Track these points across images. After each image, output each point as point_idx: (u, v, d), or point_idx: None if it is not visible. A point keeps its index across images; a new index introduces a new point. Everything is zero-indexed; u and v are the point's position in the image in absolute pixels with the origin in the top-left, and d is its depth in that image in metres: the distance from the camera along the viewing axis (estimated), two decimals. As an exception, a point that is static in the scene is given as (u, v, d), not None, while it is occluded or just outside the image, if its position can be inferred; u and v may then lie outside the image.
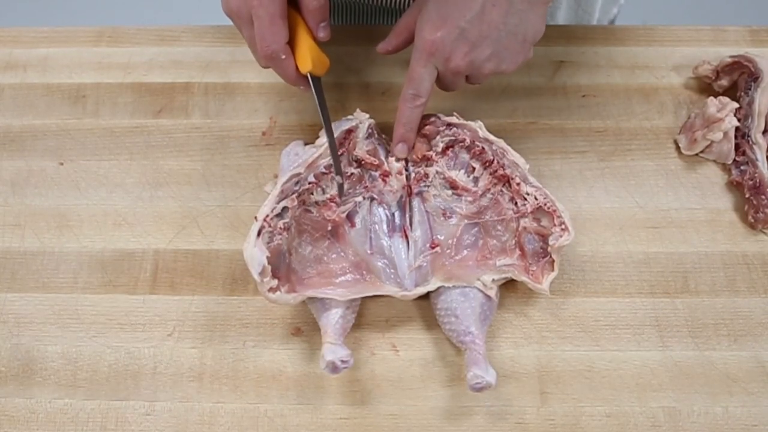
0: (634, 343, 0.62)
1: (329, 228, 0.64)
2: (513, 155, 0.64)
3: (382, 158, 0.66)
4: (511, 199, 0.64)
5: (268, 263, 0.57)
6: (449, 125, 0.66)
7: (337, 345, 0.57)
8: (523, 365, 0.61)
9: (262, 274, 0.57)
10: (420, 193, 0.66)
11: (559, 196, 0.66)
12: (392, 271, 0.63)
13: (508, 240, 0.64)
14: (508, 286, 0.64)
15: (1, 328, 0.63)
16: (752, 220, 0.67)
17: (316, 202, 0.64)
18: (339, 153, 0.64)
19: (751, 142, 0.69)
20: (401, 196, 0.66)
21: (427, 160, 0.66)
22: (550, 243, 0.60)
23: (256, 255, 0.57)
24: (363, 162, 0.66)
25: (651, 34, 0.80)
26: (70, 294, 0.65)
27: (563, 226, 0.60)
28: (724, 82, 0.74)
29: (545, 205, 0.61)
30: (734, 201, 0.69)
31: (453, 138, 0.66)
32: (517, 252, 0.63)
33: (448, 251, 0.63)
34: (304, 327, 0.63)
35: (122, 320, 0.63)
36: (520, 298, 0.64)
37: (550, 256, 0.61)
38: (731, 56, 0.73)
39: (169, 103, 0.76)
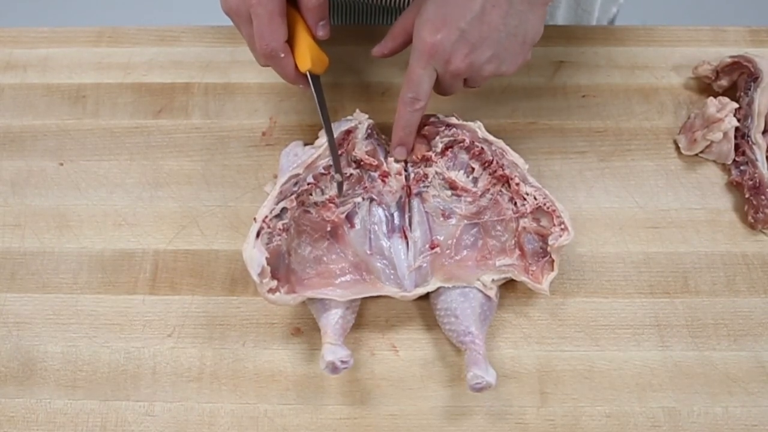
0: (634, 343, 0.62)
1: (328, 229, 0.64)
2: (512, 155, 0.64)
3: (382, 159, 0.66)
4: (511, 200, 0.64)
5: (268, 264, 0.57)
6: (448, 126, 0.66)
7: (337, 345, 0.57)
8: (523, 365, 0.61)
9: (261, 275, 0.57)
10: (419, 194, 0.66)
11: (559, 196, 0.66)
12: (392, 271, 0.63)
13: (507, 240, 0.64)
14: (508, 286, 0.64)
15: (1, 328, 0.63)
16: (752, 220, 0.67)
17: (315, 203, 0.63)
18: (338, 153, 0.64)
19: (750, 143, 0.69)
20: (400, 197, 0.66)
21: (426, 161, 0.66)
22: (550, 243, 0.60)
23: (255, 256, 0.57)
24: (362, 162, 0.66)
25: (651, 34, 0.80)
26: (70, 294, 0.65)
27: (563, 226, 0.60)
28: (724, 82, 0.74)
29: (545, 205, 0.61)
30: (734, 201, 0.69)
31: (452, 138, 0.66)
32: (517, 252, 0.63)
33: (448, 251, 0.63)
34: (304, 327, 0.63)
35: (122, 320, 0.63)
36: (520, 298, 0.64)
37: (550, 256, 0.61)
38: (731, 56, 0.73)
39: (169, 103, 0.76)
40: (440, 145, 0.66)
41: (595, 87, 0.76)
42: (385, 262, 0.63)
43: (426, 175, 0.66)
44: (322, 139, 0.64)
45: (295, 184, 0.62)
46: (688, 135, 0.71)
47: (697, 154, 0.71)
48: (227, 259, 0.66)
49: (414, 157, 0.66)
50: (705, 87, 0.76)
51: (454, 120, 0.66)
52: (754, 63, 0.71)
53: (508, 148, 0.65)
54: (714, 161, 0.71)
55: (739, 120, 0.70)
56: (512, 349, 0.62)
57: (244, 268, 0.58)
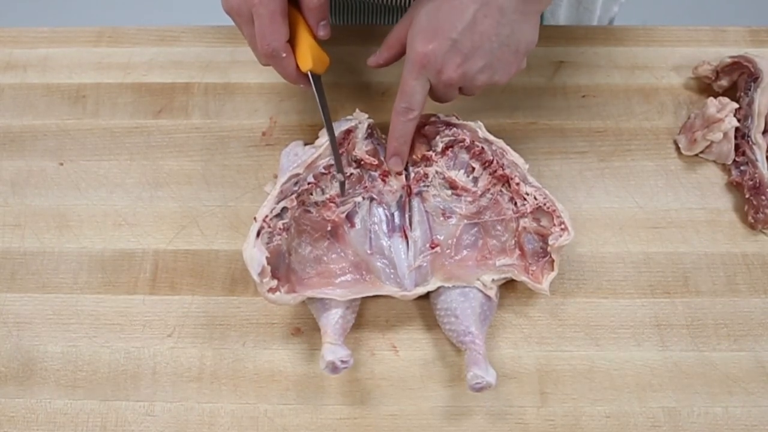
0: (634, 343, 0.62)
1: (329, 228, 0.64)
2: (512, 155, 0.64)
3: (382, 158, 0.66)
4: (511, 199, 0.64)
5: (268, 264, 0.57)
6: (449, 125, 0.66)
7: (337, 345, 0.57)
8: (523, 365, 0.61)
9: (261, 274, 0.57)
10: (419, 193, 0.66)
11: (559, 196, 0.66)
12: (392, 271, 0.63)
13: (507, 240, 0.64)
14: (508, 286, 0.64)
15: (1, 328, 0.63)
16: (752, 221, 0.67)
17: (316, 203, 0.64)
18: (340, 153, 0.64)
19: (750, 143, 0.69)
20: (401, 196, 0.66)
21: (426, 160, 0.66)
22: (550, 243, 0.60)
23: (255, 255, 0.57)
24: (362, 162, 0.66)
25: (651, 35, 0.80)
26: (70, 294, 0.65)
27: (563, 226, 0.60)
28: (724, 82, 0.74)
29: (545, 205, 0.61)
30: (734, 201, 0.69)
31: (453, 138, 0.66)
32: (517, 252, 0.63)
33: (448, 251, 0.63)
34: (304, 327, 0.63)
35: (122, 320, 0.63)
36: (520, 298, 0.64)
37: (550, 256, 0.61)
38: (731, 56, 0.73)
39: (169, 103, 0.76)
40: (440, 145, 0.66)
41: (595, 87, 0.76)
42: (385, 261, 0.63)
43: (426, 175, 0.66)
44: (323, 139, 0.64)
45: (296, 183, 0.62)
46: (688, 135, 0.71)
47: (697, 154, 0.71)
48: (227, 259, 0.66)
49: (414, 156, 0.66)
50: (705, 87, 0.76)
51: (454, 120, 0.66)
52: (754, 63, 0.71)
53: (508, 147, 0.65)
54: (714, 161, 0.71)
55: (739, 120, 0.70)
56: (512, 349, 0.62)
57: (244, 268, 0.58)
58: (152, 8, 1.94)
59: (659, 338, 0.62)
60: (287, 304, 0.61)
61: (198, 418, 0.59)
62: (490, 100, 0.75)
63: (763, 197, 0.67)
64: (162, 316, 0.64)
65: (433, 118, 0.67)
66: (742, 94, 0.72)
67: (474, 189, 0.65)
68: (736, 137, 0.70)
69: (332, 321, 0.59)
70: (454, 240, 0.64)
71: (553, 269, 0.61)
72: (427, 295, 0.62)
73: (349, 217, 0.64)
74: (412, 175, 0.66)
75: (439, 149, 0.66)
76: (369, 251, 0.63)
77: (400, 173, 0.65)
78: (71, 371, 0.61)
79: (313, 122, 0.74)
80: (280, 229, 0.60)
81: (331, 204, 0.63)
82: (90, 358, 0.62)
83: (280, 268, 0.60)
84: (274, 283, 0.58)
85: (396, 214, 0.65)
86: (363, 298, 0.61)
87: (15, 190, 0.71)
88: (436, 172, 0.66)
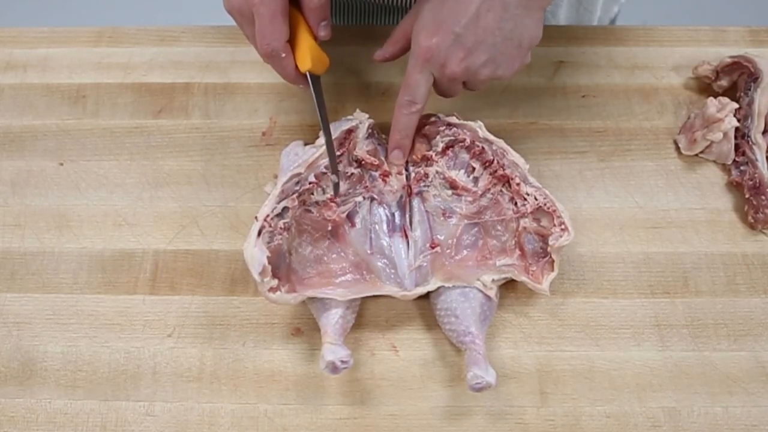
0: (634, 343, 0.62)
1: (329, 228, 0.64)
2: (513, 155, 0.64)
3: (382, 158, 0.66)
4: (511, 199, 0.64)
5: (269, 263, 0.57)
6: (449, 125, 0.66)
7: (337, 345, 0.57)
8: (523, 365, 0.61)
9: (262, 274, 0.57)
10: (420, 193, 0.66)
11: (559, 196, 0.66)
12: (392, 271, 0.63)
13: (508, 240, 0.64)
14: (508, 286, 0.64)
15: (1, 328, 0.63)
16: (752, 220, 0.67)
17: (317, 202, 0.64)
18: (339, 153, 0.64)
19: (750, 143, 0.69)
20: (401, 196, 0.66)
21: (427, 160, 0.66)
22: (550, 243, 0.60)
23: (256, 255, 0.57)
24: (363, 162, 0.66)
25: (651, 35, 0.80)
26: (70, 294, 0.65)
27: (563, 226, 0.60)
28: (724, 82, 0.74)
29: (545, 205, 0.61)
30: (734, 201, 0.69)
31: (453, 138, 0.66)
32: (517, 252, 0.63)
33: (448, 251, 0.63)
34: (304, 327, 0.63)
35: (122, 320, 0.63)
36: (520, 298, 0.64)
37: (550, 256, 0.61)
38: (731, 56, 0.73)
39: (169, 104, 0.76)
40: (441, 145, 0.66)
41: (595, 87, 0.76)
42: (385, 261, 0.63)
43: (426, 175, 0.66)
44: (323, 139, 0.64)
45: (297, 183, 0.62)
46: (688, 135, 0.71)
47: (697, 154, 0.71)
48: (227, 259, 0.66)
49: (414, 156, 0.66)
50: (705, 87, 0.76)
51: (454, 119, 0.66)
52: (754, 63, 0.71)
53: (508, 147, 0.65)
54: (714, 161, 0.71)
55: (739, 120, 0.70)
56: (512, 349, 0.62)
57: (244, 268, 0.58)
58: (152, 8, 1.94)
59: (659, 338, 0.62)
60: (287, 304, 0.61)
61: (198, 418, 0.59)
62: (490, 100, 0.75)
63: (763, 197, 0.67)
64: (162, 316, 0.64)
65: (433, 118, 0.67)
66: (742, 94, 0.72)
67: (474, 189, 0.65)
68: (736, 137, 0.70)
69: (332, 321, 0.59)
70: (455, 240, 0.64)
71: (553, 269, 0.61)
72: (427, 295, 0.62)
73: (350, 217, 0.64)
74: (413, 175, 0.66)
75: (439, 149, 0.66)
76: (369, 251, 0.63)
77: (400, 172, 0.66)
78: (71, 371, 0.61)
79: (313, 122, 0.74)
80: (281, 228, 0.60)
81: (332, 204, 0.63)
82: (90, 358, 0.62)
83: (281, 267, 0.60)
84: (275, 282, 0.58)
85: (396, 213, 0.65)
86: (363, 298, 0.61)
87: (15, 190, 0.71)
88: (437, 172, 0.66)
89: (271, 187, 0.62)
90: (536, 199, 0.62)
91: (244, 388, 0.60)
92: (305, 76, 0.62)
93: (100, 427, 0.59)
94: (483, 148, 0.65)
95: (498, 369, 0.59)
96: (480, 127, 0.65)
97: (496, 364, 0.60)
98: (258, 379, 0.61)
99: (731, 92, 0.73)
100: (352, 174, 0.65)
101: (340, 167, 0.64)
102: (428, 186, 0.66)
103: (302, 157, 0.63)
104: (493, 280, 0.61)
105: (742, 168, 0.69)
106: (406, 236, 0.64)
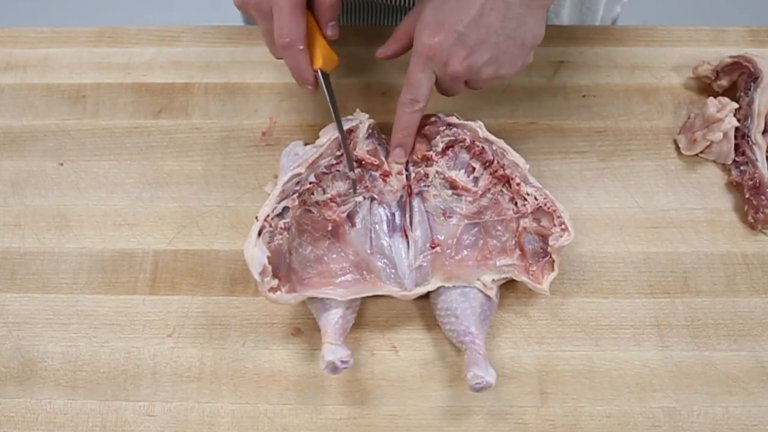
0: (634, 343, 0.62)
1: (329, 228, 0.64)
2: (513, 155, 0.64)
3: (383, 158, 0.66)
4: (511, 199, 0.64)
5: (269, 263, 0.57)
6: (449, 125, 0.66)
7: (337, 345, 0.57)
8: (523, 365, 0.61)
9: (262, 273, 0.57)
10: (420, 193, 0.66)
11: (559, 196, 0.66)
12: (392, 270, 0.63)
13: (508, 240, 0.64)
14: (508, 286, 0.64)
15: (1, 328, 0.63)
16: (752, 220, 0.67)
17: (317, 202, 0.64)
18: (339, 153, 0.64)
19: (750, 143, 0.69)
20: (401, 196, 0.66)
21: (427, 160, 0.66)
22: (550, 243, 0.60)
23: (256, 255, 0.57)
24: (363, 162, 0.66)
25: (651, 35, 0.80)
26: (70, 294, 0.65)
27: (563, 226, 0.60)
28: (724, 82, 0.74)
29: (545, 205, 0.61)
30: (734, 201, 0.69)
31: (453, 138, 0.66)
32: (517, 252, 0.63)
33: (448, 251, 0.63)
34: (304, 327, 0.63)
35: (122, 320, 0.63)
36: (520, 298, 0.64)
37: (550, 256, 0.61)
38: (731, 56, 0.73)
39: (169, 104, 0.76)
40: (441, 145, 0.66)
41: (595, 87, 0.76)
42: (385, 261, 0.63)
43: (427, 175, 0.66)
44: (323, 139, 0.64)
45: (297, 183, 0.62)
46: (688, 135, 0.71)
47: (697, 154, 0.71)
48: (227, 259, 0.66)
49: (415, 156, 0.66)
50: (705, 87, 0.76)
51: (454, 119, 0.66)
52: (754, 63, 0.71)
53: (508, 147, 0.65)
54: (714, 161, 0.71)
55: (739, 120, 0.70)
56: (512, 349, 0.62)
57: (244, 268, 0.58)
58: (152, 8, 1.94)
59: (659, 338, 0.62)
60: (288, 304, 0.61)
61: (198, 418, 0.59)
62: (490, 100, 0.75)
63: (763, 197, 0.67)
64: (162, 316, 0.64)
65: (433, 118, 0.67)
66: (742, 94, 0.72)
67: (474, 189, 0.65)
68: (736, 137, 0.70)
69: (332, 321, 0.59)
70: (455, 240, 0.64)
71: (553, 269, 0.61)
72: (427, 295, 0.62)
73: (350, 217, 0.64)
74: (413, 175, 0.66)
75: (439, 149, 0.66)
76: (369, 251, 0.63)
77: (400, 172, 0.66)
78: (71, 371, 0.61)
79: (313, 122, 0.74)
80: (281, 228, 0.60)
81: (332, 204, 0.64)
82: (90, 358, 0.62)
83: (281, 267, 0.60)
84: (275, 282, 0.58)
85: (396, 213, 0.65)
86: (363, 298, 0.61)
87: (15, 190, 0.71)
88: (437, 172, 0.66)
89: (271, 187, 0.62)
90: (536, 199, 0.62)
91: (244, 388, 0.60)
92: (315, 74, 0.62)
93: (100, 427, 0.59)
94: (483, 148, 0.65)
95: (498, 369, 0.59)
96: (480, 127, 0.65)
97: (496, 364, 0.60)
98: (258, 379, 0.61)
99: (731, 92, 0.73)
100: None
101: (340, 167, 0.64)
102: (428, 186, 0.66)
103: (302, 157, 0.63)
104: (493, 280, 0.61)
105: (742, 168, 0.69)
106: (406, 236, 0.64)
